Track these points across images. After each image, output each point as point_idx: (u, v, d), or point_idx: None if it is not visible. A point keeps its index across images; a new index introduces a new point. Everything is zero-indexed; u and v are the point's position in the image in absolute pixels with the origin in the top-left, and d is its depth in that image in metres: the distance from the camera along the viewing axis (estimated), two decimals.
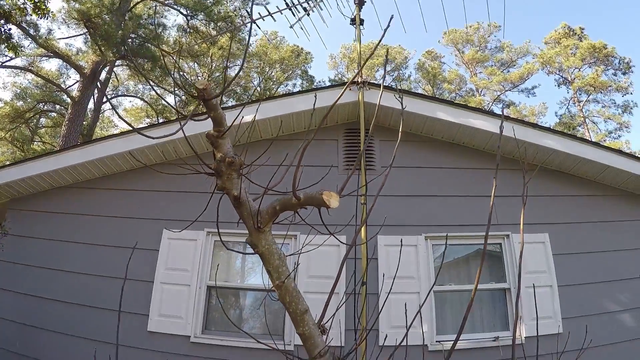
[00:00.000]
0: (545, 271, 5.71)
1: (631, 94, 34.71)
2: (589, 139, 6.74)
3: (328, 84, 34.34)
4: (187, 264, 5.45)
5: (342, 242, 2.89)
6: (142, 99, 29.86)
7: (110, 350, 4.78)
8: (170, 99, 26.65)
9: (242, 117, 5.09)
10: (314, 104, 2.21)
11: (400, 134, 2.93)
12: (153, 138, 1.86)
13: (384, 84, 5.94)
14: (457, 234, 5.71)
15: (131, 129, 6.05)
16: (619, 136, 34.87)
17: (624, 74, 34.83)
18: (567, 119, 35.30)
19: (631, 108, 34.68)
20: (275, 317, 5.43)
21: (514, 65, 37.68)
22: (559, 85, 36.81)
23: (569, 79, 35.74)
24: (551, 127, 6.23)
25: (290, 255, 5.06)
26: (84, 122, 21.54)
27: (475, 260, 6.04)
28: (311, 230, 2.94)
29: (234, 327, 5.38)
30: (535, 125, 6.21)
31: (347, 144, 6.15)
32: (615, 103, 35.10)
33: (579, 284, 5.78)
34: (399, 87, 6.15)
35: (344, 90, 2.71)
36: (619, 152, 6.46)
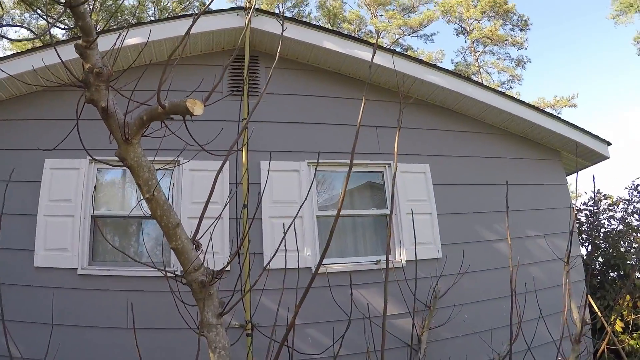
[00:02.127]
0: (426, 199, 6.04)
1: (526, 49, 36.47)
2: (473, 79, 7.08)
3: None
4: (71, 194, 5.24)
5: (216, 154, 2.91)
6: (29, 29, 27.65)
7: None
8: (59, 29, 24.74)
9: (124, 37, 4.89)
10: (190, 27, 2.15)
11: (277, 55, 2.95)
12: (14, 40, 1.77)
13: (278, 14, 5.88)
14: (339, 161, 5.83)
15: (6, 55, 5.59)
16: (511, 87, 36.60)
17: (521, 30, 36.33)
18: (462, 67, 36.52)
19: (524, 63, 36.46)
20: (161, 246, 5.39)
21: (415, 11, 37.85)
22: (457, 35, 37.86)
23: (468, 30, 36.77)
24: (436, 64, 6.43)
25: (158, 166, 5.00)
26: None
27: (364, 191, 6.31)
28: (185, 147, 2.94)
29: (120, 257, 5.31)
30: (420, 61, 6.42)
31: (232, 69, 6.06)
32: (510, 56, 36.68)
33: (458, 213, 6.19)
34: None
35: None
36: (501, 93, 6.84)
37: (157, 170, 2.47)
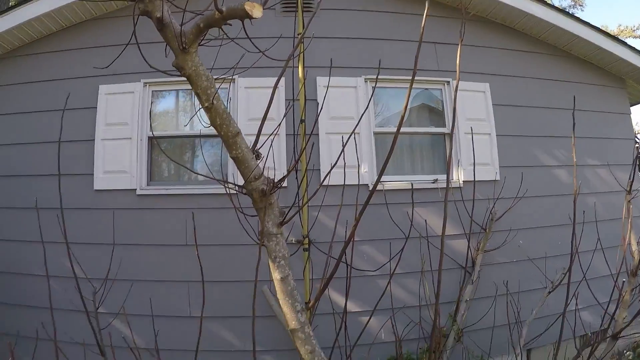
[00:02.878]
0: (485, 119, 5.84)
1: None
2: None
3: None
4: (127, 117, 5.31)
5: (274, 59, 2.85)
6: None
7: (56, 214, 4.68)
8: None
9: None
10: None
11: None
12: None
13: None
14: (398, 77, 5.65)
15: None
16: (573, 13, 34.78)
17: None
18: None
19: None
20: (219, 167, 5.45)
21: None
22: None
23: None
24: None
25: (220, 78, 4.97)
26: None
27: (420, 112, 6.18)
28: (244, 55, 2.89)
29: (177, 177, 5.41)
30: None
31: None
32: None
33: (517, 136, 5.98)
34: None
35: None
36: (565, 12, 6.43)
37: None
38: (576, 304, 4.26)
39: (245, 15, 2.11)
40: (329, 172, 2.99)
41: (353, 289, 4.55)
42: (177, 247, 5.02)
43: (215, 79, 2.43)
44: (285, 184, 4.86)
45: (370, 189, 5.20)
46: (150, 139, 5.38)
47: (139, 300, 4.80)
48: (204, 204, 5.10)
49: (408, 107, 5.92)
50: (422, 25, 2.48)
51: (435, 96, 6.01)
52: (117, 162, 5.26)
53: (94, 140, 5.32)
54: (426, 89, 6.01)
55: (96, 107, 5.38)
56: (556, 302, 4.88)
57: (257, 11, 2.10)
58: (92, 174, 5.26)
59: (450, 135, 3.35)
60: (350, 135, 3.13)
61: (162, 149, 5.37)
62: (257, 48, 2.51)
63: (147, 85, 5.45)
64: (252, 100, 5.31)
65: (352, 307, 4.98)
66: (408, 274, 5.18)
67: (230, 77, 5.06)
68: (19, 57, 5.68)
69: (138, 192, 5.19)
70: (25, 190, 5.27)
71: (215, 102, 2.40)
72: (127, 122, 5.31)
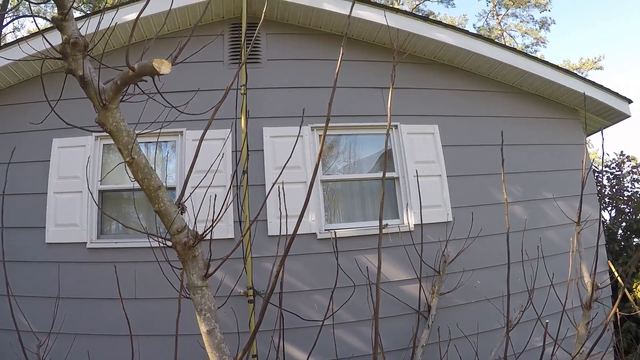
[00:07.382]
0: (435, 161, 5.88)
1: (549, 10, 35.67)
2: (481, 35, 6.68)
3: None
4: (78, 170, 5.32)
5: (205, 118, 2.89)
6: (45, 19, 27.83)
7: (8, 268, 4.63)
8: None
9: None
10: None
11: (262, 16, 2.89)
12: None
13: None
14: (346, 124, 5.73)
15: (12, 41, 5.67)
16: (535, 50, 35.92)
17: None
18: (485, 31, 35.74)
19: (548, 24, 35.63)
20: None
21: None
22: None
23: None
24: (443, 22, 6.19)
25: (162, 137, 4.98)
26: None
27: (379, 160, 6.20)
28: (167, 110, 2.91)
29: (128, 229, 5.36)
30: (425, 19, 6.14)
31: (233, 38, 5.95)
32: (533, 19, 35.91)
33: (469, 175, 6.03)
34: None
35: None
36: (511, 49, 6.57)
37: (149, 140, 2.48)
38: (507, 346, 4.22)
39: (154, 72, 2.16)
40: (252, 220, 2.99)
41: (306, 338, 4.47)
42: (125, 301, 4.88)
43: (138, 132, 2.48)
44: (232, 235, 4.89)
45: (318, 237, 5.24)
46: (102, 192, 5.42)
47: (80, 355, 4.70)
48: (151, 257, 4.96)
49: (372, 154, 6.01)
50: (337, 70, 2.53)
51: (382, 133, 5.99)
52: (69, 215, 5.25)
53: (47, 193, 5.32)
54: (374, 134, 6.01)
55: (49, 161, 5.41)
56: (518, 339, 4.85)
57: (165, 67, 2.15)
58: (45, 227, 5.23)
59: (383, 178, 3.36)
60: (277, 178, 3.15)
61: (103, 210, 5.36)
62: (169, 104, 2.56)
63: (99, 138, 5.50)
64: (200, 151, 5.27)
65: (304, 357, 4.90)
66: (360, 322, 5.12)
67: (178, 131, 5.09)
68: None
69: (88, 245, 5.16)
70: None
71: (135, 156, 2.44)
72: (78, 175, 5.33)
